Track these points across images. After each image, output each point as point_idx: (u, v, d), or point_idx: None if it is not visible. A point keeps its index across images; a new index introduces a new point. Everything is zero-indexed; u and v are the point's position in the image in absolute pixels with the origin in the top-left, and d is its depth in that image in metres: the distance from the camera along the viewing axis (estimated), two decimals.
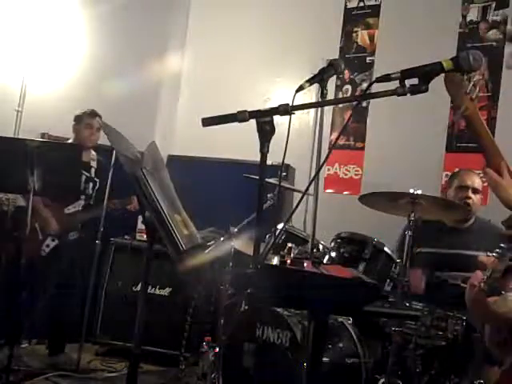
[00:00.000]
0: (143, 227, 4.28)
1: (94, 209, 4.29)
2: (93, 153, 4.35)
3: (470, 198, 3.54)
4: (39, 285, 4.09)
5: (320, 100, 2.41)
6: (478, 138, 2.02)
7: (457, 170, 4.18)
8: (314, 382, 2.13)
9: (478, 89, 2.00)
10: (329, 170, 5.08)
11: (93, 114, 4.30)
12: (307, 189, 2.05)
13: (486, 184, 3.62)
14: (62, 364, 4.13)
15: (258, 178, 1.72)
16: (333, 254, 3.35)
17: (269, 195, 3.75)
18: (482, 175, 3.52)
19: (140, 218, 4.55)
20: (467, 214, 3.59)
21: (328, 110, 5.00)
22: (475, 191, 3.56)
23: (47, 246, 4.08)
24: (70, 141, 4.27)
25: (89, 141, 4.25)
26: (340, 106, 5.14)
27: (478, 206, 3.62)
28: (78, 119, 4.29)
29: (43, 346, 4.41)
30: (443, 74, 1.80)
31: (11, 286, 3.85)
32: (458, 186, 3.62)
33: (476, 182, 3.57)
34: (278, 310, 3.14)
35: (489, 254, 2.82)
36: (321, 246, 3.52)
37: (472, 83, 2.00)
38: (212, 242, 3.84)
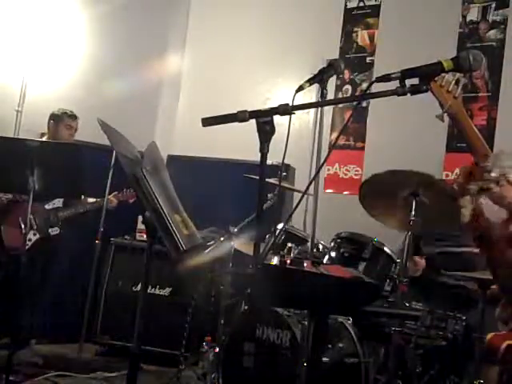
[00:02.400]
0: (143, 227, 4.26)
1: (74, 206, 4.28)
2: None
3: None
4: (26, 280, 4.03)
5: (320, 100, 2.42)
6: (465, 136, 2.02)
7: (457, 170, 4.18)
8: (314, 381, 2.13)
9: (460, 86, 2.01)
10: (329, 170, 5.08)
11: (74, 116, 4.31)
12: (307, 189, 2.05)
13: None
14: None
15: (258, 178, 1.72)
16: (333, 254, 3.35)
17: (269, 195, 3.75)
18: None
19: (140, 218, 4.55)
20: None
21: (328, 109, 5.00)
22: None
23: (29, 239, 4.04)
24: (44, 138, 4.24)
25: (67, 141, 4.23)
26: (340, 105, 5.14)
27: None
28: (58, 118, 4.28)
29: (43, 345, 4.41)
30: None
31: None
32: None
33: None
34: (278, 309, 3.14)
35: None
36: (321, 246, 3.52)
37: (454, 81, 2.00)
38: (212, 242, 3.85)
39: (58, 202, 4.25)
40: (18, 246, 3.81)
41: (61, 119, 4.27)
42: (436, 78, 1.97)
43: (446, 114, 1.99)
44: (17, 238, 3.92)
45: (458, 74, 1.99)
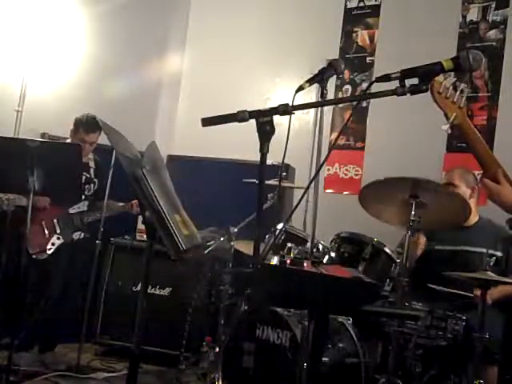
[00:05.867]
0: (143, 227, 4.27)
1: (98, 209, 4.27)
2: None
3: None
4: (45, 284, 4.09)
5: (320, 100, 2.42)
6: (471, 145, 2.04)
7: None
8: (314, 382, 2.13)
9: (465, 96, 2.02)
10: (329, 169, 5.08)
11: (90, 128, 4.08)
12: (307, 188, 2.05)
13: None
14: (49, 363, 4.11)
15: (256, 182, 1.72)
16: (333, 254, 3.35)
17: (269, 195, 3.75)
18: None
19: (140, 218, 4.55)
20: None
21: (328, 109, 5.00)
22: (455, 186, 3.58)
23: (52, 244, 4.07)
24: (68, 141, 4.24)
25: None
26: (340, 106, 5.14)
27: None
28: (75, 128, 4.14)
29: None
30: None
31: (12, 285, 3.87)
32: None
33: (454, 177, 3.60)
34: (278, 309, 3.14)
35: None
36: (321, 246, 3.52)
37: (458, 91, 2.01)
38: (212, 242, 3.85)
39: (83, 206, 4.25)
40: (42, 251, 3.96)
41: (77, 130, 4.13)
42: (440, 90, 1.99)
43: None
44: (40, 242, 4.00)
45: (462, 85, 2.01)
